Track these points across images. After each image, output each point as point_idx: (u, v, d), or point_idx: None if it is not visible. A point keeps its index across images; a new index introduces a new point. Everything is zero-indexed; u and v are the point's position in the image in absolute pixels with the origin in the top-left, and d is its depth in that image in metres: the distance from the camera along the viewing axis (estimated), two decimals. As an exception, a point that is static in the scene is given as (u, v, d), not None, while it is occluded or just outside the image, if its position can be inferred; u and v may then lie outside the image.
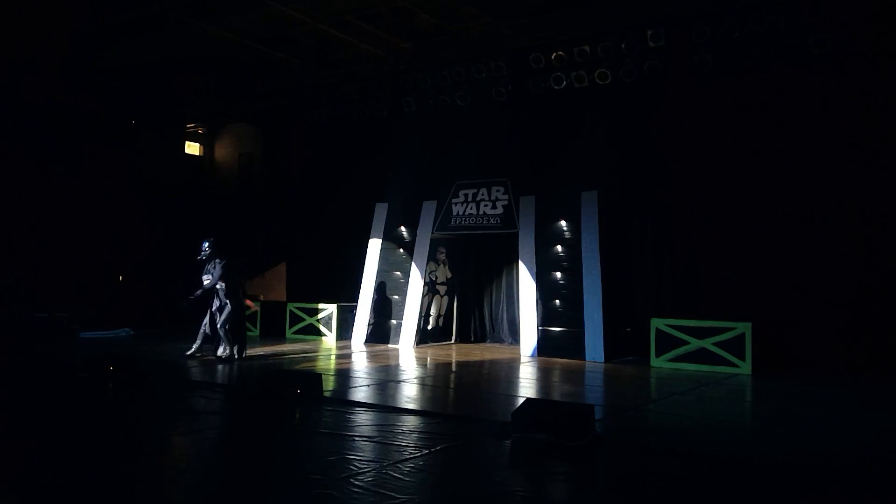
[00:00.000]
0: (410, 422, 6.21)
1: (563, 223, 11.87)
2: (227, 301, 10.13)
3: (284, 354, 11.54)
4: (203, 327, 10.40)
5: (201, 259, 10.22)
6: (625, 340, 11.51)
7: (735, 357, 9.80)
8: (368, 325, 13.51)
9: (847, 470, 4.85)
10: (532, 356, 11.51)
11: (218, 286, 10.13)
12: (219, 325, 10.16)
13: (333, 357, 11.52)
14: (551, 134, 12.73)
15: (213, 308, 10.31)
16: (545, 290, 11.77)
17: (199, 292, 10.14)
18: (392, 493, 4.09)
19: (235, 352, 10.29)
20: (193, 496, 4.26)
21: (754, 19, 10.67)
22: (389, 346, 12.94)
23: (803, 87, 10.66)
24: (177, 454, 5.41)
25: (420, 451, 5.13)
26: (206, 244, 10.24)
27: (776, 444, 5.68)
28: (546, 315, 11.68)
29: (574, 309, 11.38)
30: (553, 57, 12.39)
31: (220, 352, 10.28)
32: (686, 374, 9.70)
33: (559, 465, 4.97)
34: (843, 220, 10.28)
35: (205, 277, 10.20)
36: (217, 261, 10.15)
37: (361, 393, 8.12)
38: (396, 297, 13.36)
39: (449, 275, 13.95)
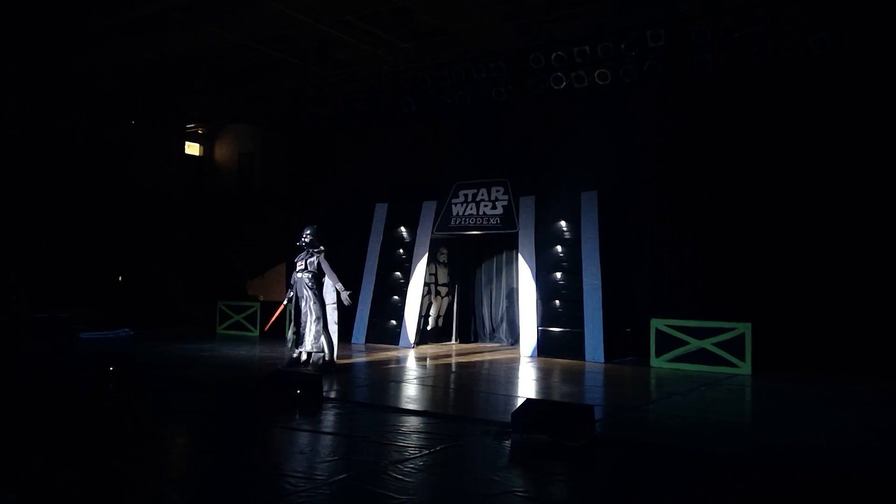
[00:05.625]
0: (410, 422, 6.21)
1: (562, 223, 11.87)
2: (321, 297, 9.36)
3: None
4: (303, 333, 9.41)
5: (300, 245, 9.48)
6: (625, 341, 11.50)
7: (735, 357, 9.79)
8: (368, 325, 13.49)
9: (846, 470, 4.85)
10: (532, 356, 11.51)
11: (310, 283, 9.32)
12: (329, 325, 9.33)
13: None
14: (551, 134, 12.72)
15: (307, 308, 9.34)
16: (545, 291, 11.77)
17: (346, 293, 9.24)
18: (392, 494, 4.09)
19: (333, 357, 9.44)
20: (193, 497, 4.27)
21: (754, 19, 10.66)
22: (389, 346, 12.93)
23: (803, 87, 10.65)
24: (176, 455, 5.42)
25: (420, 452, 5.13)
26: (309, 231, 9.44)
27: (776, 444, 5.67)
28: (546, 315, 11.68)
29: (574, 309, 11.37)
30: (553, 57, 12.38)
31: (313, 357, 9.37)
32: (686, 374, 9.70)
33: (559, 465, 4.97)
34: (844, 220, 10.27)
35: (299, 264, 9.44)
36: (316, 251, 9.37)
37: (361, 393, 8.13)
38: (396, 297, 13.34)
39: (448, 276, 13.96)
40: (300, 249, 9.53)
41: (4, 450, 5.14)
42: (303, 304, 9.37)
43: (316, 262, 9.37)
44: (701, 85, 11.42)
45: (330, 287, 9.49)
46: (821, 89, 10.52)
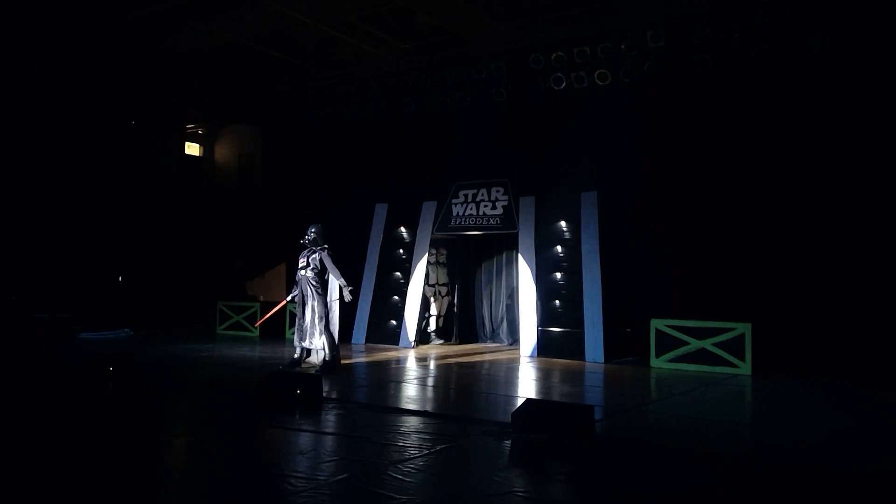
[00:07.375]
0: (410, 422, 6.21)
1: (562, 224, 11.87)
2: (325, 297, 9.36)
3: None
4: (305, 331, 9.42)
5: (303, 243, 9.49)
6: (624, 341, 11.50)
7: (735, 357, 9.79)
8: (368, 325, 13.49)
9: (846, 470, 4.85)
10: (532, 357, 11.51)
11: (314, 281, 9.35)
12: (330, 327, 9.33)
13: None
14: (551, 134, 12.72)
15: (309, 306, 9.34)
16: (545, 291, 11.77)
17: (348, 288, 9.29)
18: (392, 494, 4.09)
19: (334, 357, 9.43)
20: (193, 497, 4.27)
21: (754, 20, 10.67)
22: (389, 346, 12.93)
23: (803, 87, 10.65)
24: (176, 455, 5.42)
25: (420, 452, 5.13)
26: (314, 229, 9.44)
27: (776, 444, 5.67)
28: (546, 315, 11.68)
29: (574, 309, 11.37)
30: (553, 57, 12.38)
31: (313, 357, 9.43)
32: (686, 374, 9.70)
33: (559, 465, 4.97)
34: (844, 221, 10.27)
35: (302, 261, 9.46)
36: (320, 248, 9.38)
37: (361, 393, 8.13)
38: (396, 297, 13.34)
39: (447, 276, 13.96)
40: (304, 247, 9.54)
41: (4, 451, 5.14)
42: (307, 301, 9.36)
43: (319, 259, 9.37)
44: (701, 85, 11.42)
45: (332, 285, 9.50)
46: (821, 90, 10.51)
